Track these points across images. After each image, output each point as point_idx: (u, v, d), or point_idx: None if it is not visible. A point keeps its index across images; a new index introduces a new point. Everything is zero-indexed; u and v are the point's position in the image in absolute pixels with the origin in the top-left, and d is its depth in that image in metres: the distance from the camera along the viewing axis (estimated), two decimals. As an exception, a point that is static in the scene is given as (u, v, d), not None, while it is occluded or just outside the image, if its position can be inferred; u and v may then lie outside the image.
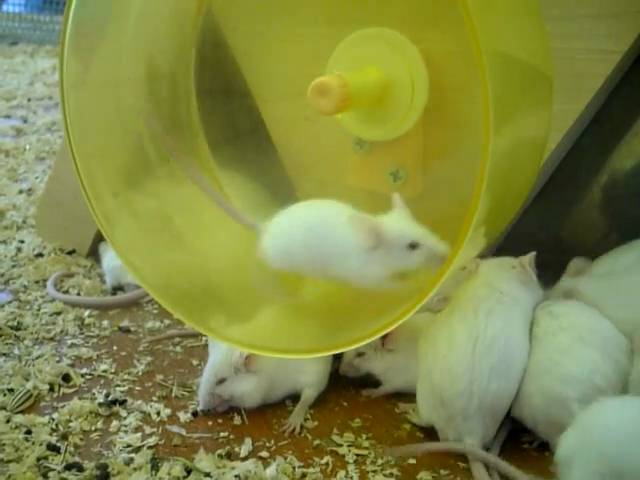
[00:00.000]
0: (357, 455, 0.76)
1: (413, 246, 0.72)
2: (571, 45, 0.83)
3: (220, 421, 0.81)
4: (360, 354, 0.86)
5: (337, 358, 0.88)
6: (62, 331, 0.99)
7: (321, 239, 0.77)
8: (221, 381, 0.81)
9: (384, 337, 0.82)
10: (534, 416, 0.74)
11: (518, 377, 0.75)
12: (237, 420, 0.81)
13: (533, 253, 0.81)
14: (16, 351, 0.93)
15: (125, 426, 0.79)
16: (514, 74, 0.71)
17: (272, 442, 0.78)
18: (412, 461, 0.75)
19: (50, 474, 0.70)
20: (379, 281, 0.75)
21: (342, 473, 0.73)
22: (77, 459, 0.73)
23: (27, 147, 1.86)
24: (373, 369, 0.87)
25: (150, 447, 0.76)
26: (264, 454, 0.75)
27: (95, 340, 0.98)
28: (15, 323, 0.99)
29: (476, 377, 0.73)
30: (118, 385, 0.87)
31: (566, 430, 0.64)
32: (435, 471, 0.73)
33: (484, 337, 0.74)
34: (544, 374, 0.73)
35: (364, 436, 0.79)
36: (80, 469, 0.71)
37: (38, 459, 0.72)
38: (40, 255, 1.22)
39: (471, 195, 0.64)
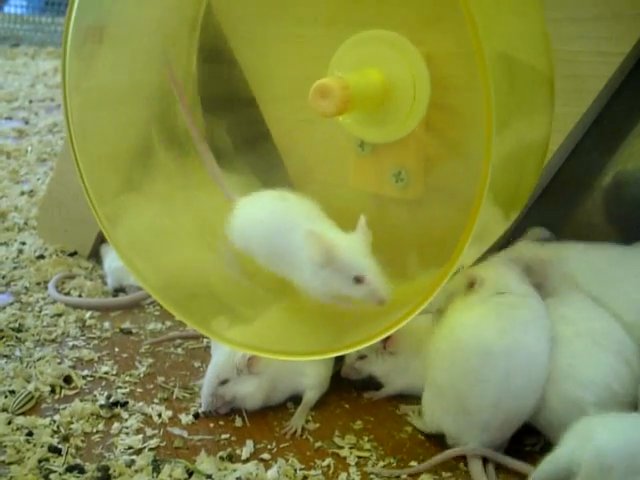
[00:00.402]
0: (359, 457, 0.76)
1: (358, 280, 0.73)
2: (573, 47, 0.83)
3: (221, 423, 0.81)
4: (362, 357, 0.86)
5: (339, 360, 0.88)
6: (63, 333, 0.99)
7: (278, 239, 0.78)
8: (223, 382, 0.81)
9: (385, 340, 0.82)
10: (549, 420, 0.74)
11: (541, 389, 0.74)
12: (238, 422, 0.81)
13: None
14: (17, 353, 0.93)
15: (126, 428, 0.79)
16: (516, 75, 0.71)
17: (273, 444, 0.78)
18: (414, 463, 0.75)
19: (51, 476, 0.70)
20: (323, 297, 0.76)
21: (344, 475, 0.72)
22: (78, 461, 0.73)
23: (29, 149, 1.86)
24: (375, 372, 0.87)
25: (151, 449, 0.76)
26: (265, 456, 0.75)
27: (96, 342, 0.98)
28: (16, 325, 0.99)
29: (506, 391, 0.72)
30: (119, 387, 0.87)
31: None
32: (437, 473, 0.73)
33: (519, 351, 0.73)
34: (562, 380, 0.73)
35: (366, 438, 0.79)
36: (81, 471, 0.71)
37: (39, 461, 0.72)
38: (42, 257, 1.22)
39: (473, 197, 0.63)
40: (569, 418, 0.70)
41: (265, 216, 0.80)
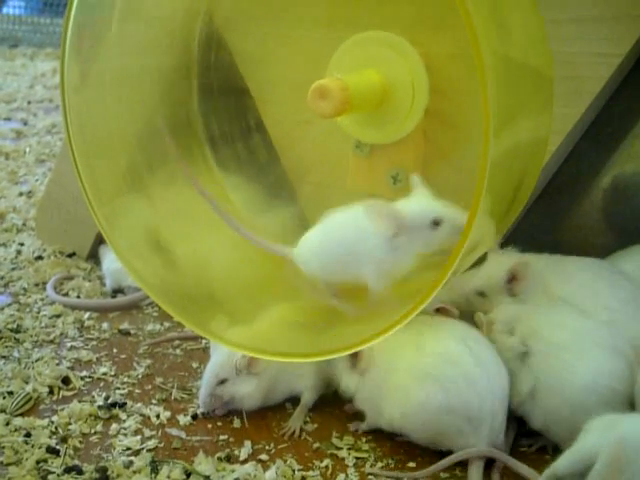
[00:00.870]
0: (357, 458, 0.75)
1: (436, 223, 0.72)
2: (571, 48, 0.83)
3: (220, 424, 0.81)
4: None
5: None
6: (62, 334, 0.99)
7: (349, 242, 0.76)
8: (222, 382, 0.81)
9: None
10: (554, 423, 0.74)
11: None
12: (237, 423, 0.81)
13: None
14: (16, 354, 0.93)
15: (125, 429, 0.79)
16: (514, 77, 0.71)
17: (272, 445, 0.78)
18: (412, 464, 0.75)
19: (50, 477, 0.70)
20: (407, 270, 0.74)
21: (342, 476, 0.72)
22: (77, 462, 0.73)
23: (27, 150, 1.86)
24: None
25: (150, 450, 0.76)
26: (264, 457, 0.75)
27: (95, 343, 0.98)
28: (15, 326, 0.99)
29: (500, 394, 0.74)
30: (118, 388, 0.87)
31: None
32: (435, 475, 0.73)
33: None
34: (566, 383, 0.73)
35: (364, 439, 0.79)
36: (80, 472, 0.71)
37: (37, 462, 0.72)
38: (40, 258, 1.22)
39: (471, 198, 0.63)
40: (574, 421, 0.70)
41: (332, 234, 0.79)
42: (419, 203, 0.73)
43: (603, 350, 0.74)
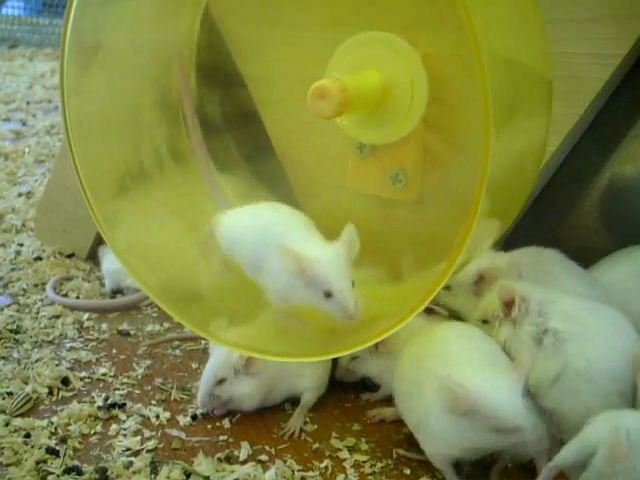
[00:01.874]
0: (356, 459, 0.75)
1: (327, 294, 0.74)
2: (571, 48, 0.83)
3: (219, 424, 0.81)
4: (354, 357, 0.86)
5: (337, 362, 0.88)
6: (61, 334, 0.99)
7: (260, 247, 0.79)
8: (220, 382, 0.81)
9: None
10: (574, 408, 0.73)
11: None
12: (236, 424, 0.81)
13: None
14: (15, 354, 0.93)
15: (124, 429, 0.79)
16: (514, 77, 0.71)
17: (271, 446, 0.78)
18: (412, 464, 0.75)
19: (49, 477, 0.70)
20: (288, 308, 0.77)
21: (341, 477, 0.72)
22: (76, 463, 0.73)
23: (26, 150, 1.86)
24: (369, 372, 0.87)
25: (149, 451, 0.76)
26: (263, 458, 0.75)
27: (94, 343, 0.97)
28: (14, 326, 0.99)
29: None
30: (117, 388, 0.87)
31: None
32: (434, 476, 0.73)
33: None
34: (595, 370, 0.73)
35: (363, 440, 0.79)
36: (79, 473, 0.71)
37: (37, 463, 0.72)
38: (39, 258, 1.22)
39: (471, 199, 0.63)
40: (591, 405, 0.71)
41: (253, 225, 0.82)
42: (327, 265, 0.74)
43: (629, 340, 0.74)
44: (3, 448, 0.74)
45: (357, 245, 0.76)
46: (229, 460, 0.75)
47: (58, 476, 0.71)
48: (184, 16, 0.94)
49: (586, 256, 0.89)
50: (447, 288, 0.86)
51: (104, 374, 0.90)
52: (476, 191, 0.63)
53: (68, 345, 0.96)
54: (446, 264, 0.67)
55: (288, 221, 0.81)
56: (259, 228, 0.81)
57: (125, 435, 0.78)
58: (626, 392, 0.71)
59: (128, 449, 0.76)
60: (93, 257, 1.21)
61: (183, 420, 0.81)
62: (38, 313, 1.04)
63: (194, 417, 0.82)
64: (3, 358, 0.92)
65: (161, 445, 0.77)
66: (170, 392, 0.86)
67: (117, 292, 1.12)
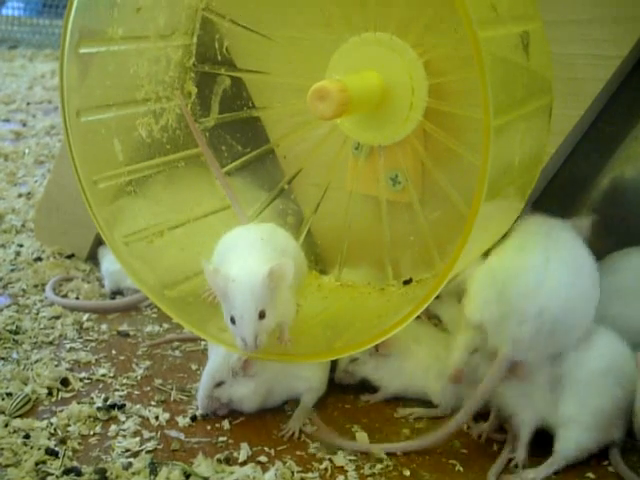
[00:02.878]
0: (356, 460, 0.75)
1: (232, 320, 0.74)
2: (571, 50, 0.83)
3: (219, 426, 0.81)
4: (353, 359, 0.86)
5: (336, 364, 0.88)
6: (61, 335, 0.99)
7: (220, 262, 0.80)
8: (219, 384, 0.81)
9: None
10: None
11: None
12: (236, 425, 0.81)
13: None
14: (15, 355, 0.93)
15: (124, 430, 0.79)
16: (514, 78, 0.71)
17: (271, 447, 0.77)
18: (411, 465, 0.75)
19: (48, 478, 0.70)
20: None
21: (341, 478, 0.72)
22: (75, 463, 0.73)
23: (26, 151, 1.85)
24: (368, 375, 0.87)
25: (149, 452, 0.76)
26: (263, 459, 0.75)
27: (94, 344, 0.97)
28: (14, 327, 0.99)
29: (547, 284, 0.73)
30: (117, 389, 0.87)
31: None
32: (434, 477, 0.73)
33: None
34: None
35: (363, 441, 0.79)
36: (78, 474, 0.71)
37: (36, 463, 0.72)
38: (39, 259, 1.22)
39: (471, 199, 0.63)
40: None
41: (224, 240, 0.83)
42: (239, 292, 0.73)
43: None
44: (2, 449, 0.74)
45: (289, 277, 0.75)
46: (228, 461, 0.74)
47: (57, 477, 0.71)
48: (186, 15, 0.94)
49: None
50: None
51: (103, 375, 0.90)
52: (476, 191, 0.63)
53: (67, 346, 0.96)
54: (446, 265, 0.67)
55: (248, 238, 0.81)
56: (227, 244, 0.82)
57: (124, 436, 0.78)
58: None
59: (127, 450, 0.76)
60: (93, 258, 1.21)
61: (182, 421, 0.81)
62: (38, 314, 1.04)
63: (193, 418, 0.82)
64: (2, 359, 0.91)
65: (160, 446, 0.77)
66: (169, 393, 0.86)
67: (117, 293, 1.12)
